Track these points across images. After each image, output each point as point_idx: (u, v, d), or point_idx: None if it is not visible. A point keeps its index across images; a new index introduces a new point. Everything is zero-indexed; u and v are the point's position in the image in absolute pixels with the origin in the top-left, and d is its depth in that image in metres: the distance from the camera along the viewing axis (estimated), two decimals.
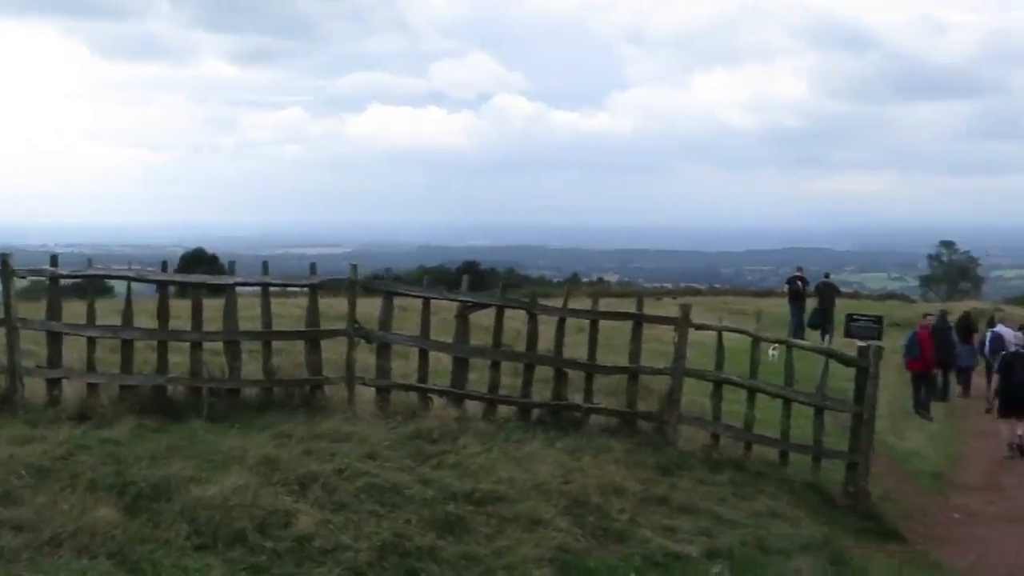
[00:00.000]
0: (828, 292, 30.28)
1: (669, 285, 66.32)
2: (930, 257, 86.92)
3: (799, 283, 30.66)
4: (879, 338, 13.20)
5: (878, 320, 13.29)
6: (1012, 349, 19.73)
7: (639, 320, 12.45)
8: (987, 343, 24.40)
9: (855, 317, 13.38)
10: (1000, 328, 24.71)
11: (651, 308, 29.47)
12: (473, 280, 14.31)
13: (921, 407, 21.91)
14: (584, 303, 13.32)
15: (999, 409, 18.60)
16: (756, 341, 12.35)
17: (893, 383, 23.64)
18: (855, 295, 59.95)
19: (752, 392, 12.32)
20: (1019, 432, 18.14)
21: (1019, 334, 20.90)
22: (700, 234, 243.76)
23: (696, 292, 52.83)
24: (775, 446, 12.39)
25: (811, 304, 30.00)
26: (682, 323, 12.25)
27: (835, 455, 12.47)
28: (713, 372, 12.43)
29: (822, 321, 28.72)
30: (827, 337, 26.19)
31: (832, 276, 32.66)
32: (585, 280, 74.21)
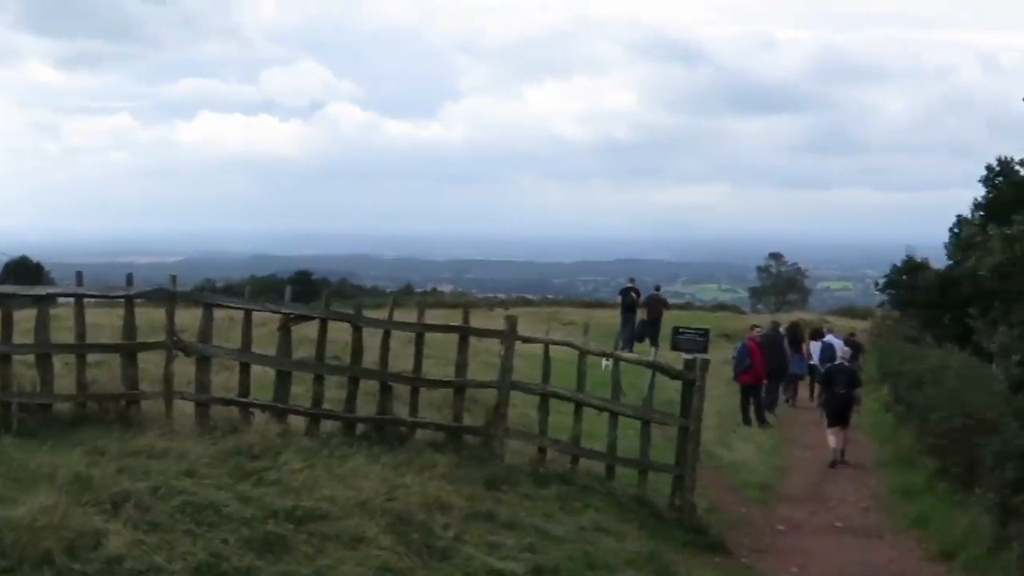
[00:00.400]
0: (656, 304, 30.91)
1: (502, 296, 66.89)
2: (759, 269, 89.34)
3: (632, 294, 31.20)
4: (705, 351, 13.30)
5: (704, 333, 13.44)
6: (838, 360, 20.59)
7: (465, 333, 12.28)
8: (818, 353, 25.11)
9: (681, 330, 13.51)
10: (830, 338, 25.73)
11: (483, 319, 29.68)
12: (304, 290, 13.95)
13: (757, 418, 22.23)
14: (415, 315, 13.08)
15: (826, 420, 19.26)
16: (583, 354, 12.32)
17: (721, 394, 24.08)
18: (687, 306, 61.20)
19: (579, 406, 12.29)
20: (841, 443, 19.00)
21: (847, 348, 21.46)
22: (534, 245, 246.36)
23: (528, 303, 53.44)
24: (602, 460, 12.39)
25: (642, 316, 30.50)
26: (508, 336, 12.13)
27: (661, 468, 12.54)
28: (540, 385, 12.35)
29: (650, 332, 29.60)
30: (654, 350, 26.69)
31: (664, 287, 33.20)
32: (419, 290, 73.97)
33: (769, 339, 23.82)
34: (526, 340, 12.51)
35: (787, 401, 25.86)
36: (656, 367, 12.25)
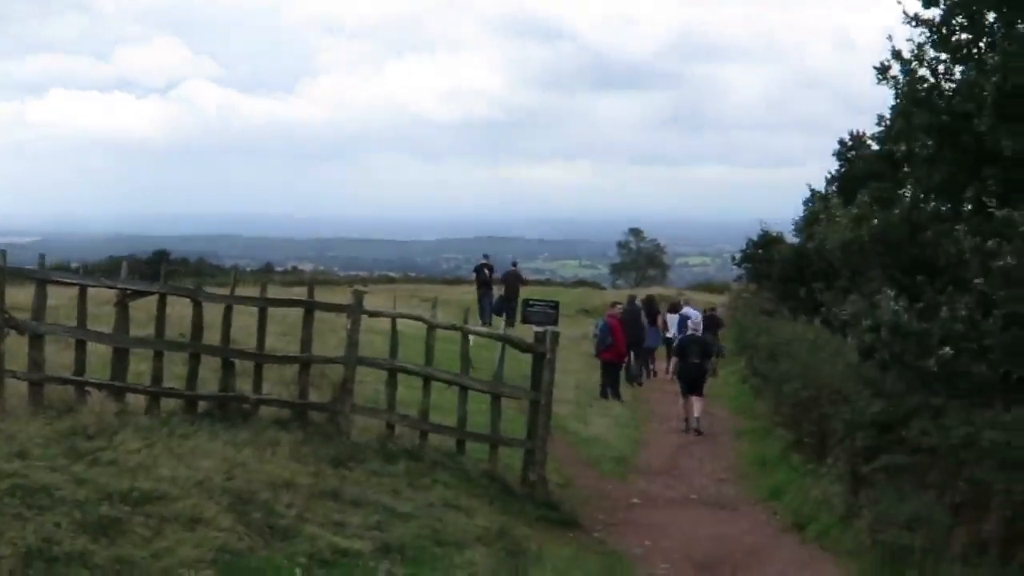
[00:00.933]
0: (514, 280, 31.20)
1: (364, 274, 66.49)
2: (619, 245, 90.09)
3: (486, 271, 31.42)
4: (555, 323, 13.06)
5: (554, 305, 13.13)
6: (689, 331, 21.29)
7: (311, 307, 11.82)
8: (676, 325, 25.32)
9: (531, 303, 13.17)
10: (687, 310, 26.09)
11: (344, 297, 29.07)
12: (156, 270, 13.28)
13: (613, 394, 22.40)
14: (275, 293, 12.57)
15: (681, 391, 19.79)
16: (431, 328, 11.98)
17: (579, 369, 24.11)
18: (547, 282, 61.44)
19: (427, 380, 11.96)
20: (696, 413, 19.42)
21: (699, 319, 21.73)
22: (397, 223, 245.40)
23: (390, 280, 53.09)
24: (452, 435, 12.14)
25: (500, 292, 30.75)
26: (354, 310, 11.73)
27: (512, 443, 12.36)
28: (387, 360, 11.99)
29: (507, 308, 29.52)
30: (503, 323, 26.45)
31: (525, 264, 33.32)
32: (280, 269, 72.88)
33: (628, 313, 24.13)
34: (372, 314, 12.15)
35: (645, 375, 26.29)
36: (506, 340, 11.97)
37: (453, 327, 12.18)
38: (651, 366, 26.89)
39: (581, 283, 65.11)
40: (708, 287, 56.06)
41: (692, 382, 19.42)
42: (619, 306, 24.27)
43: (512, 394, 12.29)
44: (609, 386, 22.37)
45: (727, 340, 30.85)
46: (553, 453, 15.06)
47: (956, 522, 9.97)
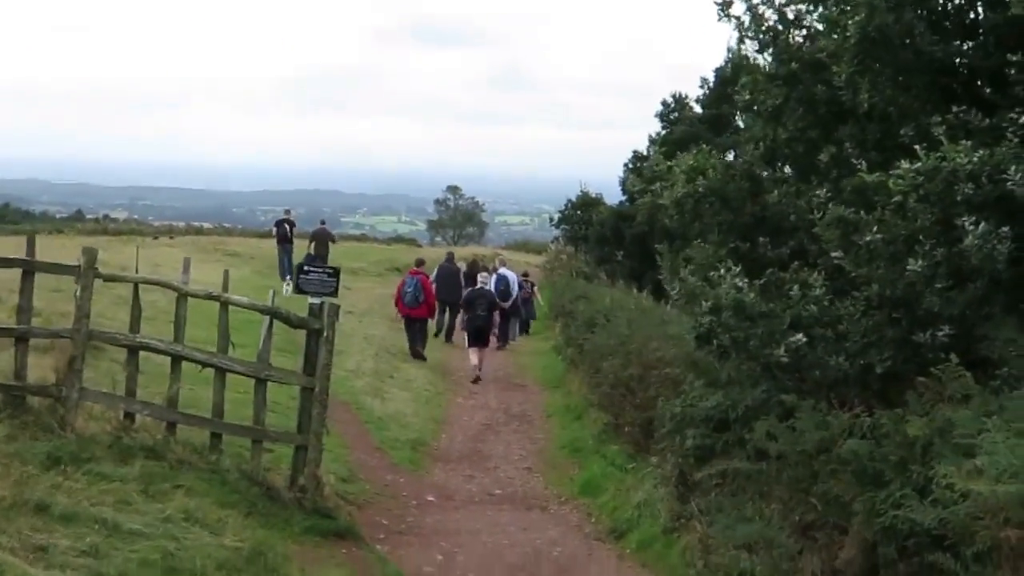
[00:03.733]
0: (322, 238, 30.64)
1: (182, 224, 64.66)
2: (437, 202, 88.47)
3: (286, 226, 30.43)
4: (334, 293, 10.77)
5: (334, 272, 10.89)
6: (515, 291, 22.81)
7: (30, 268, 9.31)
8: (494, 285, 24.24)
9: (307, 269, 10.91)
10: (503, 271, 25.15)
11: (149, 248, 26.16)
12: None
13: (413, 353, 21.18)
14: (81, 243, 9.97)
15: (467, 341, 20.64)
16: (182, 296, 9.61)
17: (383, 335, 22.02)
18: (362, 238, 60.02)
19: (176, 360, 9.57)
20: (477, 361, 19.90)
21: (522, 280, 23.14)
22: (214, 173, 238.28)
23: (199, 232, 51.48)
24: (205, 427, 9.73)
25: (309, 250, 29.26)
26: (85, 272, 9.26)
27: (281, 438, 10.08)
28: (127, 335, 9.56)
29: None
30: (285, 286, 24.90)
31: (344, 219, 32.46)
32: (91, 217, 69.72)
33: (446, 271, 23.79)
34: (108, 278, 9.71)
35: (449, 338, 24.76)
36: (272, 313, 9.64)
37: (210, 296, 9.79)
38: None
39: (398, 239, 64.40)
40: (525, 247, 54.93)
41: (477, 332, 20.07)
42: (439, 264, 23.93)
43: (280, 378, 9.97)
44: (418, 344, 21.25)
45: (542, 301, 29.40)
46: (339, 439, 12.94)
47: (806, 546, 8.24)
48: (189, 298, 9.67)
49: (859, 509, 7.64)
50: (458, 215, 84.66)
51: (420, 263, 22.78)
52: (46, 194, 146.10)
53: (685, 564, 9.32)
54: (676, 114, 38.48)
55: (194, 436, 9.85)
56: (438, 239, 77.39)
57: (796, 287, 9.30)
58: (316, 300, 10.03)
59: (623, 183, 39.10)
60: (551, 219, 43.93)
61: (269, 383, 9.92)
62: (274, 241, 30.71)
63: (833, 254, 9.24)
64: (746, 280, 9.31)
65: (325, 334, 9.64)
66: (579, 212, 41.20)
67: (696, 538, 9.37)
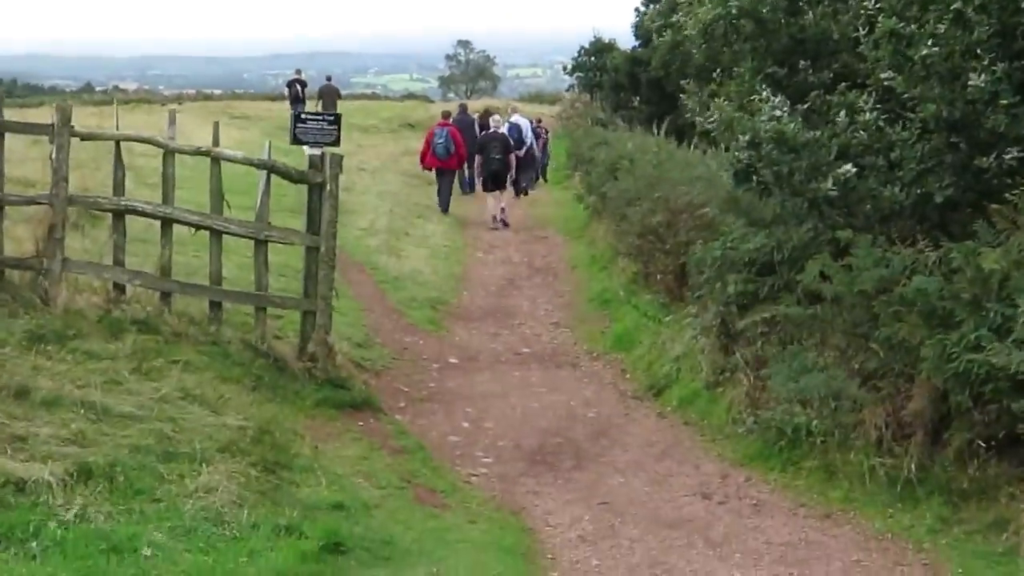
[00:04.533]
0: (330, 95, 30.52)
1: (192, 91, 63.77)
2: (448, 57, 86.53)
3: (298, 86, 30.81)
4: (336, 143, 9.66)
5: (334, 119, 9.69)
6: (528, 139, 22.34)
7: None
8: (507, 132, 23.37)
9: (304, 117, 9.75)
10: (516, 118, 24.03)
11: (156, 115, 25.13)
12: None
13: (444, 205, 20.62)
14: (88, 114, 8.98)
15: (483, 186, 20.45)
16: (170, 153, 8.64)
17: (396, 190, 21.09)
18: (374, 96, 58.95)
19: (167, 223, 8.67)
20: (501, 205, 19.72)
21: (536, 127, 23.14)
22: (224, 41, 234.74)
23: (208, 98, 50.64)
24: (202, 295, 8.87)
25: (317, 107, 28.79)
26: (60, 130, 8.29)
27: (286, 304, 9.23)
28: (110, 198, 8.64)
29: None
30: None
31: (355, 79, 31.98)
32: (100, 89, 68.45)
33: (460, 123, 22.61)
34: (85, 136, 8.74)
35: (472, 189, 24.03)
36: (269, 168, 8.65)
37: (199, 151, 8.81)
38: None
39: (410, 96, 63.27)
40: (538, 98, 53.45)
41: (494, 176, 19.72)
42: (452, 117, 22.60)
43: (282, 238, 9.03)
44: (446, 196, 20.66)
45: (557, 152, 28.51)
46: (352, 302, 12.11)
47: (869, 397, 7.39)
48: (178, 155, 8.71)
49: (928, 354, 6.81)
50: (470, 69, 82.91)
51: (447, 115, 22.31)
52: (54, 68, 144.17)
53: (732, 421, 8.51)
54: None
55: (191, 307, 9.00)
56: (450, 95, 75.87)
57: (843, 112, 8.26)
58: (316, 151, 9.01)
59: (636, 27, 37.54)
60: (564, 68, 42.47)
61: (271, 244, 9.02)
62: (286, 103, 30.31)
63: (883, 75, 8.18)
64: (786, 108, 8.26)
65: (328, 187, 8.71)
66: (593, 59, 39.74)
67: (743, 392, 8.57)
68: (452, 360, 11.02)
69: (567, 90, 44.13)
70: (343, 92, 38.61)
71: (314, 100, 30.43)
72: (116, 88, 71.50)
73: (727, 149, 9.53)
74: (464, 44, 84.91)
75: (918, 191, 7.78)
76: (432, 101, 57.59)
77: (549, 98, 51.85)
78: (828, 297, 7.73)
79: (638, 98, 35.55)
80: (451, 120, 22.12)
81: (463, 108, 25.08)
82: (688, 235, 11.57)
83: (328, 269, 8.82)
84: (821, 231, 8.27)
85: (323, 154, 8.83)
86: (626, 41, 39.89)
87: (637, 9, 37.86)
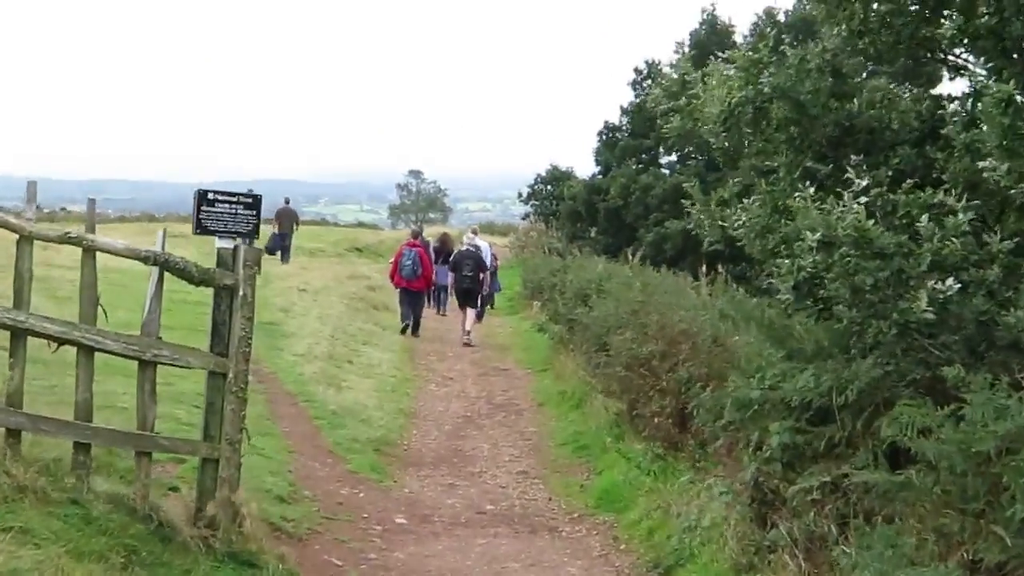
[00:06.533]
0: (287, 217, 29.69)
1: (138, 212, 64.41)
2: (399, 186, 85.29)
3: None
4: (255, 234, 7.11)
5: (253, 202, 7.08)
6: (488, 261, 21.53)
7: None
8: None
9: (211, 198, 7.27)
10: (477, 240, 22.94)
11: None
12: None
13: (414, 326, 19.72)
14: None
15: (458, 302, 20.16)
16: (26, 239, 6.20)
17: (340, 313, 18.72)
18: (323, 222, 58.19)
19: (18, 335, 6.18)
20: (468, 325, 19.26)
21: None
22: (173, 166, 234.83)
23: (152, 219, 50.73)
24: (63, 435, 6.33)
25: (274, 229, 29.10)
26: None
27: (176, 448, 6.77)
28: None
29: (280, 246, 28.68)
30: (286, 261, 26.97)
31: (306, 208, 30.43)
32: (47, 211, 66.78)
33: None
34: None
35: (438, 312, 23.93)
36: (162, 263, 6.24)
37: (67, 238, 6.38)
38: (444, 306, 24.20)
39: (361, 225, 62.99)
40: (490, 229, 51.90)
41: (466, 293, 19.61)
42: (419, 238, 21.93)
43: (176, 359, 6.58)
44: (414, 318, 19.77)
45: (511, 282, 26.96)
46: (279, 441, 9.71)
47: None
48: (38, 242, 6.31)
49: None
50: (420, 199, 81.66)
51: (416, 235, 21.90)
52: (4, 189, 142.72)
53: None
54: (650, 81, 35.34)
55: (48, 450, 6.49)
56: (400, 225, 74.31)
57: (925, 215, 6.11)
58: (227, 244, 6.66)
59: (597, 153, 36.13)
60: (520, 194, 40.81)
61: (163, 366, 6.60)
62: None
63: (982, 164, 6.09)
64: (865, 199, 6.11)
65: (241, 292, 6.34)
66: (549, 187, 38.31)
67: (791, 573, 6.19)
68: (400, 520, 8.54)
69: (523, 218, 42.67)
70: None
71: (270, 223, 29.10)
72: (63, 210, 69.80)
73: (761, 263, 7.34)
74: (415, 174, 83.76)
75: None
76: (381, 229, 56.48)
77: (501, 229, 50.65)
78: (929, 457, 5.45)
79: (595, 228, 34.04)
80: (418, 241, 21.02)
81: (416, 232, 23.56)
82: (690, 370, 9.36)
83: (238, 402, 6.40)
84: (902, 367, 6.02)
85: (237, 247, 6.50)
86: (583, 170, 38.62)
87: (600, 133, 36.54)
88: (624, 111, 36.19)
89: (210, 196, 6.97)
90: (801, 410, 6.54)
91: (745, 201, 7.67)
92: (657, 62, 35.73)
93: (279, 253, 28.54)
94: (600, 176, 35.43)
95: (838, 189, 7.43)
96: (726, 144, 8.25)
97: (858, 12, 7.57)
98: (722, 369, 8.75)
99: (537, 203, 38.98)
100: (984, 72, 7.35)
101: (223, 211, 6.96)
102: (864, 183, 6.16)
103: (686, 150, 31.20)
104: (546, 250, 30.73)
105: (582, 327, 13.97)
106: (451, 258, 20.88)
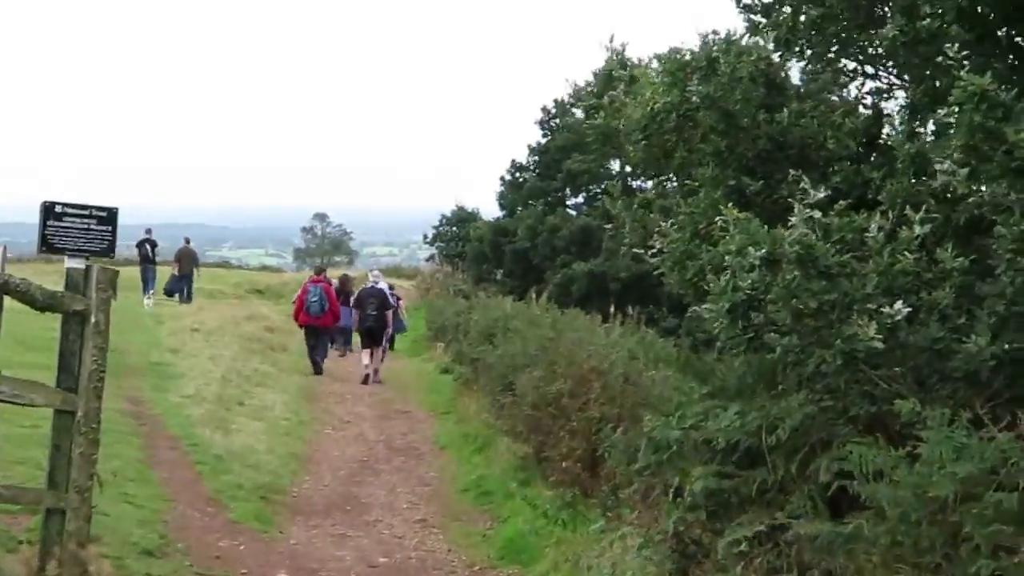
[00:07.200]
0: (187, 258, 29.03)
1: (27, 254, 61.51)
2: (304, 230, 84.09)
3: (147, 246, 28.76)
4: (109, 252, 6.26)
5: (108, 216, 6.15)
6: (392, 302, 20.14)
7: None
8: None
9: (59, 211, 6.39)
10: (380, 284, 21.61)
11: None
12: None
13: (317, 366, 19.28)
14: None
15: (362, 342, 19.58)
16: None
17: (235, 355, 17.73)
18: (226, 264, 56.83)
19: None
20: (372, 363, 18.82)
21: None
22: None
23: (49, 260, 48.21)
24: None
25: (174, 271, 28.68)
26: None
27: (14, 497, 5.86)
28: None
29: (179, 288, 28.03)
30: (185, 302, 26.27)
31: (211, 253, 29.88)
32: None
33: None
34: None
35: (340, 354, 22.81)
36: (2, 286, 5.31)
37: None
38: (347, 346, 23.37)
39: (264, 268, 61.72)
40: (396, 272, 50.99)
41: (369, 332, 19.04)
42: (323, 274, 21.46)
43: (15, 396, 5.67)
44: (320, 356, 19.52)
45: (416, 325, 26.04)
46: (155, 488, 8.80)
47: None
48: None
49: None
50: (326, 243, 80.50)
51: (320, 271, 22.01)
52: None
53: None
54: (558, 120, 35.07)
55: None
56: (304, 268, 73.14)
57: (878, 231, 5.50)
58: (78, 264, 5.79)
59: (501, 198, 35.71)
60: (425, 236, 40.15)
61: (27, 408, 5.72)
62: (136, 266, 27.77)
63: (939, 167, 5.51)
64: (818, 216, 5.48)
65: (94, 319, 5.49)
66: (455, 228, 37.72)
67: None
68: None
69: (428, 259, 41.96)
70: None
71: (171, 264, 28.92)
72: None
73: (692, 293, 6.68)
74: (321, 217, 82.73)
75: (1007, 346, 4.98)
76: (285, 272, 55.38)
77: (408, 272, 49.82)
78: (881, 503, 4.79)
79: (502, 270, 33.56)
80: (304, 285, 20.46)
81: (319, 271, 23.09)
82: (601, 409, 8.69)
83: (88, 444, 5.53)
84: (844, 402, 5.37)
85: (88, 267, 5.65)
86: (487, 212, 38.11)
87: (502, 177, 36.13)
88: (532, 150, 35.88)
89: (57, 209, 6.06)
90: (727, 452, 5.86)
91: (663, 224, 7.01)
92: (565, 101, 35.61)
93: (176, 295, 27.95)
94: (506, 217, 34.99)
95: (768, 205, 6.89)
96: (644, 154, 7.58)
97: (787, 20, 7.01)
98: (635, 408, 8.12)
99: (443, 244, 38.40)
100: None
101: (73, 226, 6.07)
102: (820, 195, 5.52)
103: (594, 187, 30.88)
104: (451, 291, 30.12)
105: (487, 367, 13.26)
106: (355, 296, 20.13)
